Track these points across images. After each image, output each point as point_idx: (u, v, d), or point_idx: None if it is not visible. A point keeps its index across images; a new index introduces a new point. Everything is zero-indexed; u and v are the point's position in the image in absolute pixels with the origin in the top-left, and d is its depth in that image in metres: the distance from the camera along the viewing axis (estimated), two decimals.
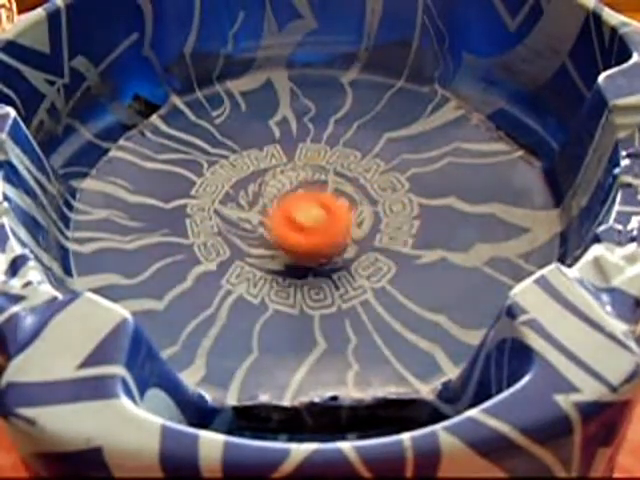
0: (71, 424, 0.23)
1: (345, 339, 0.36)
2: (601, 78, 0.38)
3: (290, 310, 0.38)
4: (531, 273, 0.29)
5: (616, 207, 0.32)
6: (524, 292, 0.28)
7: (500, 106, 0.48)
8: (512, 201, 0.43)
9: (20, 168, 0.37)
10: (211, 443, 0.23)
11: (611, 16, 0.41)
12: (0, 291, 0.28)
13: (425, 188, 0.44)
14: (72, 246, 0.41)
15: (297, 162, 0.46)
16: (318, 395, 0.33)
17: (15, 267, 0.29)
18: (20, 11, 0.55)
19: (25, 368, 0.25)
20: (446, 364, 0.35)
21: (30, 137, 0.39)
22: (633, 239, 0.30)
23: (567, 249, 0.39)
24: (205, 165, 0.46)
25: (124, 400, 0.24)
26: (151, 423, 0.23)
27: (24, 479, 0.28)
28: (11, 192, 0.35)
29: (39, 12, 0.44)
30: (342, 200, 0.42)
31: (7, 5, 0.55)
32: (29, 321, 0.27)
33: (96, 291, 0.29)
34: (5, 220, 0.32)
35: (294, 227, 0.38)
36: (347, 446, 0.22)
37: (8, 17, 0.55)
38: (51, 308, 0.27)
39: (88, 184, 0.45)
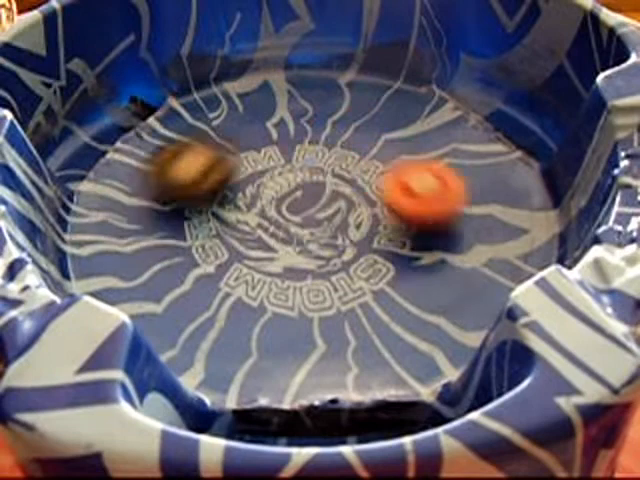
0: (71, 429, 0.23)
1: (344, 341, 0.36)
2: (599, 79, 0.38)
3: (289, 312, 0.38)
4: (530, 274, 0.29)
5: (615, 208, 0.32)
6: (524, 294, 0.27)
7: (498, 107, 0.48)
8: (511, 202, 0.42)
9: (17, 171, 0.37)
10: (211, 448, 0.23)
11: (609, 16, 0.41)
12: None
13: None
14: (70, 249, 0.41)
15: (295, 164, 0.46)
16: (318, 398, 0.33)
17: (13, 271, 0.29)
18: (20, 11, 0.55)
19: (24, 373, 0.25)
20: (446, 366, 0.35)
21: (27, 140, 0.39)
22: (633, 240, 0.30)
23: (566, 250, 0.39)
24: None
25: (123, 405, 0.24)
26: (151, 428, 0.23)
27: (24, 479, 0.27)
28: (8, 195, 0.35)
29: (35, 14, 0.43)
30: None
31: (7, 5, 0.55)
32: (27, 325, 0.27)
33: (94, 294, 0.29)
34: (2, 223, 0.32)
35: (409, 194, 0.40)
36: (348, 450, 0.22)
37: (8, 17, 0.54)
38: (49, 312, 0.27)
39: (85, 187, 0.45)
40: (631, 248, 0.29)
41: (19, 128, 0.38)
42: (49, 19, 0.44)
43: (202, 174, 0.42)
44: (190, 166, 0.42)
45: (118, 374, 0.25)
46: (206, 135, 0.47)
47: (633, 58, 0.38)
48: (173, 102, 0.50)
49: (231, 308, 0.38)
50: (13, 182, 0.36)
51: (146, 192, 0.44)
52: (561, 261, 0.38)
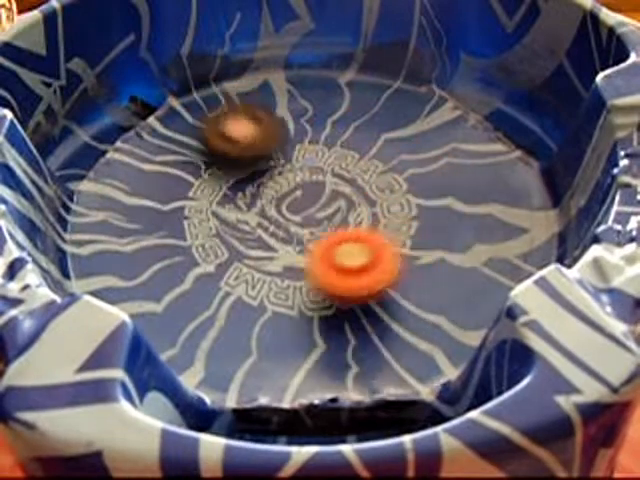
0: (71, 428, 0.23)
1: (344, 341, 0.36)
2: (599, 78, 0.38)
3: (289, 312, 0.38)
4: (530, 273, 0.30)
5: (615, 207, 0.32)
6: (524, 293, 0.28)
7: (498, 106, 0.48)
8: (510, 202, 0.43)
9: (17, 170, 0.37)
10: (211, 446, 0.23)
11: (609, 16, 0.41)
12: None
13: (423, 189, 0.44)
14: (70, 248, 0.41)
15: (295, 163, 0.46)
16: (318, 397, 0.33)
17: (13, 270, 0.29)
18: (20, 11, 0.55)
19: (24, 372, 0.25)
20: (446, 365, 0.35)
21: (27, 139, 0.39)
22: (632, 239, 0.30)
23: (566, 249, 0.39)
24: (202, 167, 0.46)
25: (124, 404, 0.24)
26: (151, 427, 0.23)
27: (24, 479, 0.27)
28: (8, 195, 0.35)
29: (35, 14, 0.43)
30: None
31: (7, 5, 0.55)
32: (27, 324, 0.27)
33: (94, 294, 0.29)
34: (2, 223, 0.32)
35: (339, 271, 0.36)
36: (348, 449, 0.22)
37: (8, 17, 0.54)
38: (49, 311, 0.27)
39: (85, 186, 0.45)
40: (630, 247, 0.29)
41: (19, 127, 0.38)
42: (49, 19, 0.44)
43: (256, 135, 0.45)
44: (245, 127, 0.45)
45: (118, 373, 0.25)
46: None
47: (633, 58, 0.38)
48: (173, 102, 0.50)
49: (231, 307, 0.38)
50: (13, 181, 0.36)
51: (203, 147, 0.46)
52: (561, 260, 0.38)
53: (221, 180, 0.45)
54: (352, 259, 0.36)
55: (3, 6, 0.55)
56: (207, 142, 0.46)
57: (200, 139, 0.47)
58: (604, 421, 0.24)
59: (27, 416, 0.24)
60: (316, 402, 0.33)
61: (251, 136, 0.45)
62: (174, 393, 0.30)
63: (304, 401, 0.33)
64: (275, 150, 0.46)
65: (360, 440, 0.23)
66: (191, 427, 0.30)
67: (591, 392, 0.24)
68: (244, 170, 0.45)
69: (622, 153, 0.34)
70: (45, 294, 0.28)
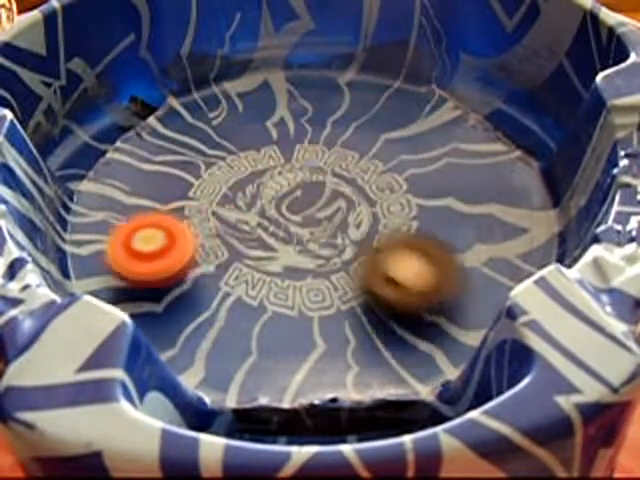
0: (71, 428, 0.23)
1: (344, 341, 0.36)
2: (599, 78, 0.38)
3: (289, 312, 0.38)
4: (530, 273, 0.29)
5: (615, 207, 0.32)
6: (524, 293, 0.28)
7: (498, 106, 0.48)
8: (510, 201, 0.43)
9: (17, 170, 0.37)
10: (211, 446, 0.23)
11: (608, 16, 0.41)
12: None
13: (423, 189, 0.44)
14: (70, 248, 0.41)
15: (295, 163, 0.46)
16: (318, 397, 0.33)
17: (13, 270, 0.29)
18: (20, 11, 0.55)
19: (24, 372, 0.25)
20: (446, 365, 0.35)
21: (27, 139, 0.39)
22: (632, 239, 0.30)
23: (566, 249, 0.39)
24: (202, 167, 0.46)
25: (124, 404, 0.24)
26: (151, 427, 0.23)
27: (23, 479, 0.27)
28: (8, 195, 0.35)
29: (35, 14, 0.43)
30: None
31: (7, 5, 0.55)
32: (27, 324, 0.27)
33: (94, 294, 0.29)
34: (2, 223, 0.32)
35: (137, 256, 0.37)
36: (348, 449, 0.22)
37: (8, 17, 0.54)
38: (49, 311, 0.27)
39: (85, 186, 0.45)
40: (630, 247, 0.29)
41: (19, 127, 0.38)
42: (49, 19, 0.44)
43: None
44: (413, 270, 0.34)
45: (118, 373, 0.25)
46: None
47: (632, 57, 0.38)
48: (173, 102, 0.50)
49: (231, 307, 0.38)
50: (13, 181, 0.36)
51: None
52: (561, 260, 0.38)
53: (221, 180, 0.45)
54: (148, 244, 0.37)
55: (3, 6, 0.55)
56: (366, 283, 0.37)
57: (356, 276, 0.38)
58: (604, 421, 0.24)
59: (27, 416, 0.24)
60: (316, 402, 0.33)
61: (421, 280, 0.34)
62: (174, 393, 0.30)
63: (304, 401, 0.33)
64: (450, 300, 0.36)
65: (360, 440, 0.23)
66: (191, 427, 0.30)
67: (591, 392, 0.24)
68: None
69: (622, 153, 0.34)
70: (45, 294, 0.28)
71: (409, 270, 0.34)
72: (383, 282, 0.35)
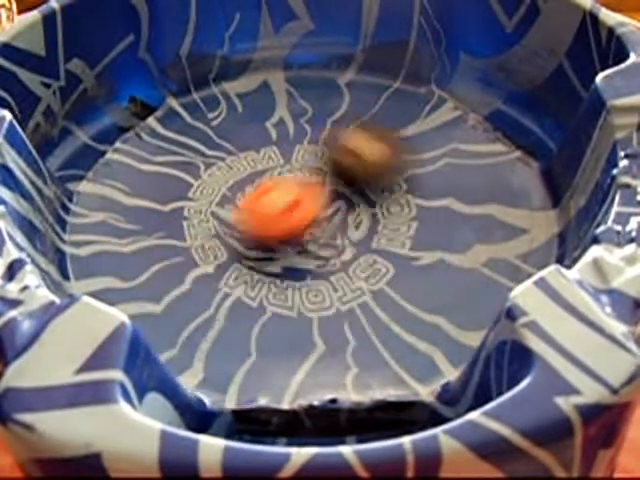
0: (70, 429, 0.23)
1: (344, 341, 0.36)
2: (599, 78, 0.38)
3: (288, 312, 0.38)
4: (530, 274, 0.30)
5: (615, 208, 0.32)
6: (524, 294, 0.27)
7: (497, 107, 0.48)
8: (510, 202, 0.42)
9: (16, 171, 0.37)
10: (211, 448, 0.23)
11: (608, 16, 0.41)
12: None
13: (423, 189, 0.44)
14: (69, 249, 0.41)
15: (294, 164, 0.46)
16: (317, 398, 0.33)
17: (12, 271, 0.29)
18: (20, 11, 0.55)
19: (23, 373, 0.25)
20: (445, 366, 0.35)
21: (26, 140, 0.39)
22: (632, 240, 0.30)
23: (565, 250, 0.39)
24: (202, 167, 0.46)
25: (123, 405, 0.24)
26: (150, 428, 0.23)
27: (23, 479, 0.27)
28: (7, 195, 0.35)
29: (35, 14, 0.43)
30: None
31: (7, 5, 0.55)
32: (26, 326, 0.27)
33: (93, 294, 0.29)
34: (1, 224, 0.32)
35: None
36: (348, 450, 0.22)
37: (8, 17, 0.54)
38: (48, 312, 0.27)
39: (85, 187, 0.45)
40: (630, 248, 0.29)
41: (18, 128, 0.38)
42: (48, 19, 0.44)
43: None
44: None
45: (117, 374, 0.25)
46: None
47: (632, 58, 0.38)
48: (172, 102, 0.50)
49: (230, 308, 0.38)
50: (12, 182, 0.36)
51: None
52: (560, 261, 0.38)
53: (220, 180, 0.45)
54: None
55: (3, 6, 0.55)
56: (331, 155, 0.44)
57: (321, 151, 0.45)
58: (604, 422, 0.24)
59: (26, 417, 0.24)
60: (315, 403, 0.32)
61: (377, 153, 0.42)
62: (173, 394, 0.30)
63: (303, 402, 0.33)
64: (400, 169, 0.44)
65: (360, 441, 0.23)
66: (190, 428, 0.30)
67: (591, 393, 0.24)
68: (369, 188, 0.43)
69: (622, 153, 0.34)
70: (44, 295, 0.28)
71: (365, 145, 0.43)
72: (344, 153, 0.43)
